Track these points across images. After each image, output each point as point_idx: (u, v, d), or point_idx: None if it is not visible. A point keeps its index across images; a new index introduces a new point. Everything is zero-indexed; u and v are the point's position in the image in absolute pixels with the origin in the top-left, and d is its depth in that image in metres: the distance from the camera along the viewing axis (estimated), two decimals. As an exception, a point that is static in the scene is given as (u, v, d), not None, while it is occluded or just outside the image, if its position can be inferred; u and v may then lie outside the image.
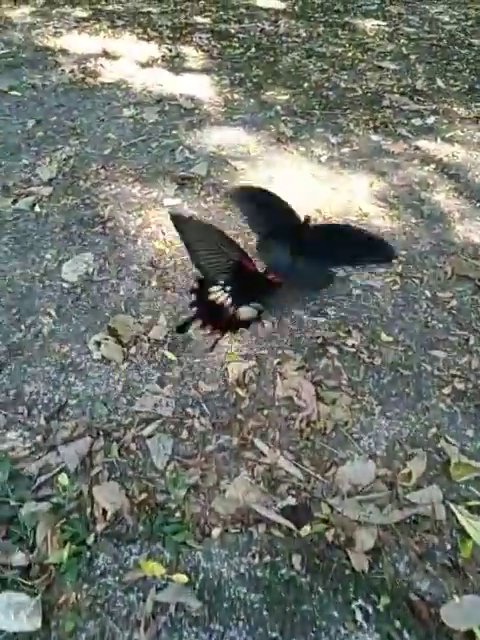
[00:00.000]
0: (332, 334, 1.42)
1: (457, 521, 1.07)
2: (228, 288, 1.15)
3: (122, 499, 0.97)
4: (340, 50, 3.00)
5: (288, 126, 2.28)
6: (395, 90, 2.63)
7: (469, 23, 3.54)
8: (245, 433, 1.15)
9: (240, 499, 1.02)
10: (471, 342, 1.41)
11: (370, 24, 3.38)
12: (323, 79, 2.69)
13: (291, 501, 1.05)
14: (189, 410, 1.20)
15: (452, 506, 1.08)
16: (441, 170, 2.08)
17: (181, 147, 2.11)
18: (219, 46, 3.00)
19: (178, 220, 1.18)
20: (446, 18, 3.60)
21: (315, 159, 2.11)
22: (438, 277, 1.61)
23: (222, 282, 1.15)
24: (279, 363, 1.33)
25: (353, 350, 1.38)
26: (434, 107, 2.50)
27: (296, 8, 3.60)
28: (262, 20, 3.37)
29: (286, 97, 2.51)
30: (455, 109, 2.50)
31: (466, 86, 2.71)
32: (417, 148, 2.21)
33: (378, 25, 3.36)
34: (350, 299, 1.53)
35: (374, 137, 2.26)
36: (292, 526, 1.01)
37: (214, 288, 1.16)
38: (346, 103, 2.50)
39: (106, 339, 1.27)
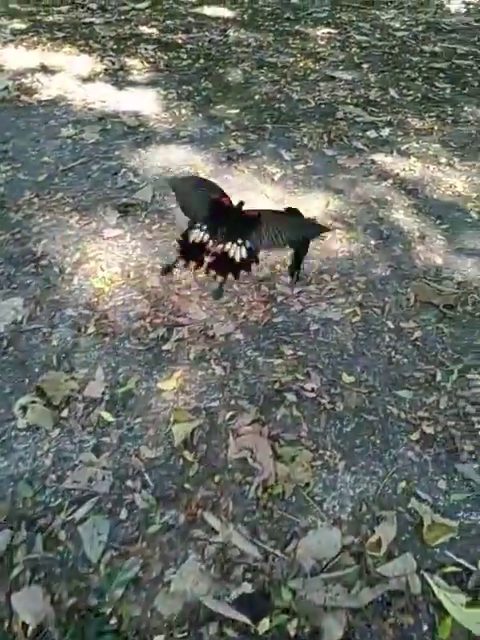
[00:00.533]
0: (290, 377, 1.29)
1: (434, 594, 0.96)
2: (205, 226, 1.15)
3: (46, 608, 0.82)
4: (291, 60, 2.90)
5: (239, 142, 2.16)
6: (348, 101, 2.55)
7: (420, 29, 3.51)
8: (193, 507, 1.01)
9: (188, 592, 0.89)
10: (438, 378, 1.31)
11: (321, 32, 3.30)
12: (274, 91, 2.59)
13: (247, 588, 0.92)
14: (129, 483, 1.05)
15: (428, 577, 0.97)
16: (399, 185, 1.99)
17: (124, 170, 1.96)
18: (166, 57, 2.86)
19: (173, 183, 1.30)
20: (397, 24, 3.56)
21: (268, 178, 1.99)
22: (400, 305, 1.51)
23: (200, 222, 1.16)
24: (231, 417, 1.19)
25: (313, 395, 1.26)
26: (388, 118, 2.43)
27: (245, 17, 3.49)
28: (211, 29, 3.25)
29: (236, 111, 2.39)
30: (409, 120, 2.43)
31: (419, 95, 2.65)
32: (373, 162, 2.12)
33: (329, 33, 3.28)
34: (308, 335, 1.41)
35: (329, 152, 2.16)
36: (248, 621, 0.88)
37: (194, 229, 1.16)
38: (299, 116, 2.39)
39: (34, 402, 1.12)
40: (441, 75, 2.85)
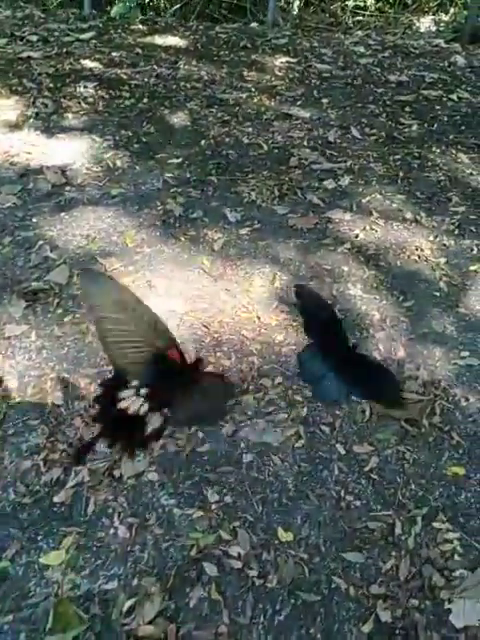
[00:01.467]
0: (211, 539, 1.03)
1: None
2: (143, 391, 0.78)
3: None
4: (245, 96, 2.66)
5: (177, 201, 1.90)
6: (305, 144, 2.30)
7: (386, 54, 3.28)
8: None
9: None
10: (397, 530, 1.06)
11: (279, 62, 3.06)
12: (223, 134, 2.33)
13: None
14: None
15: None
16: (357, 251, 1.74)
17: (41, 242, 1.69)
18: (106, 97, 2.59)
19: (88, 279, 0.83)
20: (361, 49, 3.33)
21: (207, 246, 1.73)
22: (354, 420, 1.26)
23: (136, 382, 0.79)
24: (131, 610, 0.94)
25: (239, 565, 0.99)
26: (349, 163, 2.19)
27: (199, 46, 3.23)
28: (159, 62, 2.98)
29: (178, 160, 2.13)
30: (372, 165, 2.19)
31: (383, 134, 2.41)
32: (329, 221, 1.87)
33: (288, 62, 3.04)
34: (239, 470, 1.15)
35: (279, 209, 1.90)
36: None
37: (125, 392, 0.78)
38: (248, 164, 2.14)
39: None
40: (407, 109, 2.62)
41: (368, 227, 1.85)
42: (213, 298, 1.54)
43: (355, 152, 2.26)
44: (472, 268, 1.70)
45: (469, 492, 1.11)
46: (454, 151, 2.31)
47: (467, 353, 1.42)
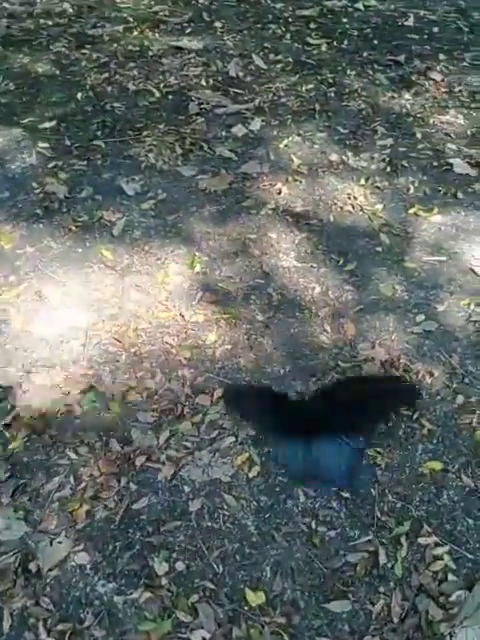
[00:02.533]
0: (166, 626, 0.81)
1: None
2: None
3: None
4: (121, 28, 2.21)
5: (60, 178, 1.52)
6: (203, 83, 1.96)
7: (278, -40, 2.90)
8: None
9: None
10: (382, 558, 0.90)
11: (158, -19, 2.62)
12: (103, 81, 1.93)
13: None
14: None
15: None
16: (283, 211, 1.46)
17: None
18: None
19: None
20: (250, -44, 2.92)
21: (105, 232, 1.41)
22: (312, 427, 1.09)
23: None
24: None
25: (206, 652, 0.84)
26: (257, 101, 1.88)
27: (57, -32, 2.71)
28: None
29: (52, 123, 1.73)
30: (284, 100, 1.90)
31: (290, 59, 2.10)
32: (245, 177, 1.59)
33: (168, -19, 2.60)
34: (187, 523, 0.92)
35: (185, 170, 1.60)
36: None
37: None
38: (140, 118, 1.78)
39: None
40: (312, 26, 2.30)
41: (291, 178, 1.60)
42: (122, 300, 1.26)
43: (262, 86, 1.96)
44: (411, 211, 1.52)
45: (450, 489, 0.98)
46: (371, 72, 2.05)
47: (422, 317, 1.25)
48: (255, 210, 1.49)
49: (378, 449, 1.02)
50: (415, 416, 1.07)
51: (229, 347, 1.18)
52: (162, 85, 1.91)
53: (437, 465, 1.01)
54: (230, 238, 1.41)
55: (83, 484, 0.96)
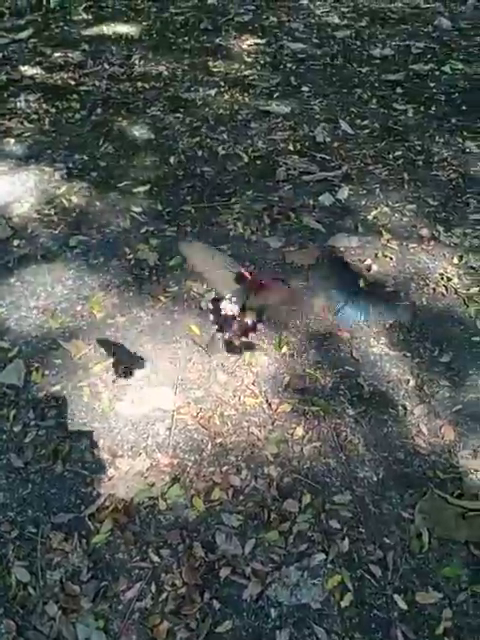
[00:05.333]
0: None
1: None
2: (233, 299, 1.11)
3: None
4: (213, 92, 2.19)
5: (151, 245, 1.46)
6: (291, 148, 1.88)
7: (363, 23, 2.79)
8: None
9: None
10: None
11: (246, 43, 2.54)
12: (194, 145, 1.89)
13: None
14: None
15: None
16: (373, 288, 1.40)
17: (-13, 323, 1.32)
18: (53, 110, 2.05)
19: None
20: (335, 20, 2.83)
21: (193, 305, 1.34)
22: (410, 551, 0.93)
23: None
24: None
25: None
26: (344, 168, 1.78)
27: (153, 33, 2.72)
28: (110, 59, 2.42)
29: (146, 188, 1.68)
30: (371, 168, 1.78)
31: (377, 125, 2.00)
32: (333, 251, 1.52)
33: (256, 44, 2.55)
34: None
35: (272, 242, 1.50)
36: None
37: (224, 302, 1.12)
38: (228, 183, 1.72)
39: None
40: (398, 90, 2.19)
41: (380, 254, 1.48)
42: (208, 381, 1.18)
43: (349, 152, 1.86)
44: (511, 296, 1.37)
45: None
46: (460, 139, 1.91)
47: None
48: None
49: (487, 587, 0.88)
50: None
51: (318, 444, 1.06)
52: (250, 149, 1.85)
53: None
54: (318, 318, 1.32)
55: (165, 594, 0.87)
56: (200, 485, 1.00)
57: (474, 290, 1.37)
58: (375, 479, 1.01)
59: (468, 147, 1.86)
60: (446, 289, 1.38)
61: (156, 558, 0.92)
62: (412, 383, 1.16)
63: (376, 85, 2.21)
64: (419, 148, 1.86)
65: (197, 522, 0.96)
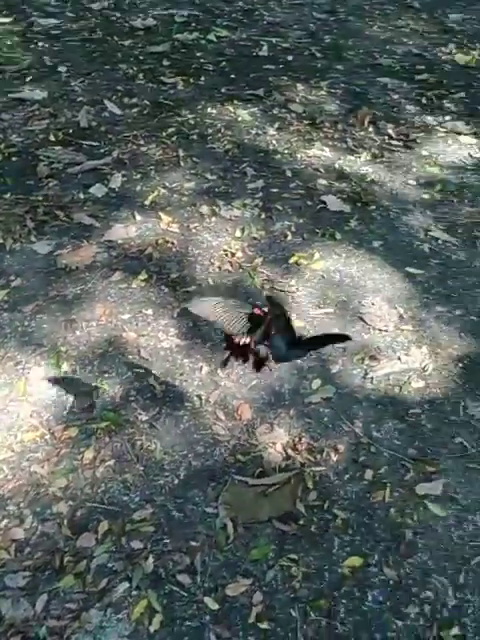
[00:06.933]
0: None
1: None
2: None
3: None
4: None
5: None
6: (52, 137, 1.79)
7: (123, -8, 2.77)
8: None
9: None
10: None
11: (-11, 22, 2.38)
12: None
13: None
14: None
15: None
16: (157, 282, 1.36)
17: None
18: None
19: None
20: (92, -10, 2.76)
21: None
22: (218, 546, 0.96)
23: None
24: None
25: None
26: (115, 154, 1.74)
27: None
28: None
29: None
30: (144, 149, 1.77)
31: (146, 102, 1.98)
32: (110, 246, 1.45)
33: (1, 23, 2.38)
34: None
35: (39, 246, 1.40)
36: None
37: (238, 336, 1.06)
38: (-19, 187, 1.59)
39: None
40: (165, 63, 2.20)
41: (162, 240, 1.48)
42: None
43: (119, 135, 1.81)
44: (292, 260, 1.46)
45: (374, 588, 0.92)
46: (231, 108, 1.99)
47: (318, 381, 1.17)
48: (125, 284, 1.35)
49: (291, 556, 0.93)
50: (326, 505, 1.00)
51: (111, 463, 1.02)
52: (3, 145, 1.70)
53: (357, 561, 0.93)
54: (99, 323, 1.26)
55: None
56: (-26, 554, 0.90)
57: (258, 260, 1.44)
58: (176, 482, 1.00)
59: (240, 115, 1.95)
60: (231, 265, 1.43)
61: None
62: (206, 370, 1.19)
63: (141, 58, 2.20)
64: (192, 122, 1.89)
65: (-25, 598, 0.86)
